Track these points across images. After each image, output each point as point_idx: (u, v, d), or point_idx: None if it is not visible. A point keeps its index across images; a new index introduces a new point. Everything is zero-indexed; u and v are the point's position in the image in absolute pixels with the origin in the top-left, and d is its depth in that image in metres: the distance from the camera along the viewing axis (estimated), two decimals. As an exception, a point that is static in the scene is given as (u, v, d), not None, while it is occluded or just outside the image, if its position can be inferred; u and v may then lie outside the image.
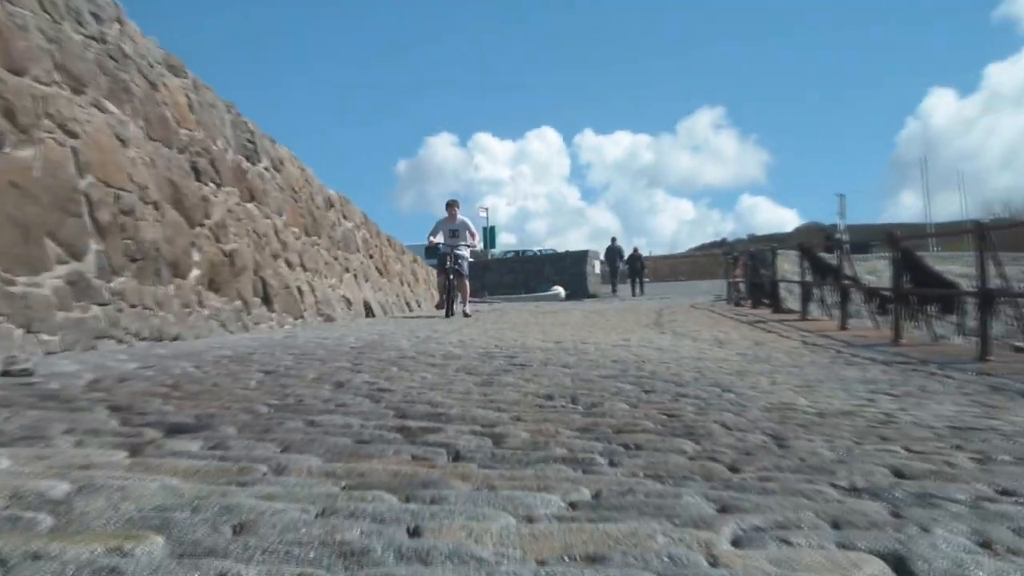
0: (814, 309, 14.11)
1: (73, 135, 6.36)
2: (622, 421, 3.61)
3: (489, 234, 44.17)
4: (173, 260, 7.77)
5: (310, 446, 2.90)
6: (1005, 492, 2.50)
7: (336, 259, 13.93)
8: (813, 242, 19.37)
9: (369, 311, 14.09)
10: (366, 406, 3.89)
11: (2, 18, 5.67)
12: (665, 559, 1.79)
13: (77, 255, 6.14)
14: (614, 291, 32.85)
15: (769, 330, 11.40)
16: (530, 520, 2.06)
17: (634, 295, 30.42)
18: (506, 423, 3.47)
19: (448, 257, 13.49)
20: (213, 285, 8.65)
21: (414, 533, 1.93)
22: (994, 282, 8.00)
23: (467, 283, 14.30)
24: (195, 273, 8.25)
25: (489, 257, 42.88)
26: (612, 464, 2.75)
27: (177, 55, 9.06)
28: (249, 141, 10.78)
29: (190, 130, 8.90)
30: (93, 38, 7.12)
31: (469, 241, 14.09)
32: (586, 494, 2.33)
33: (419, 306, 19.59)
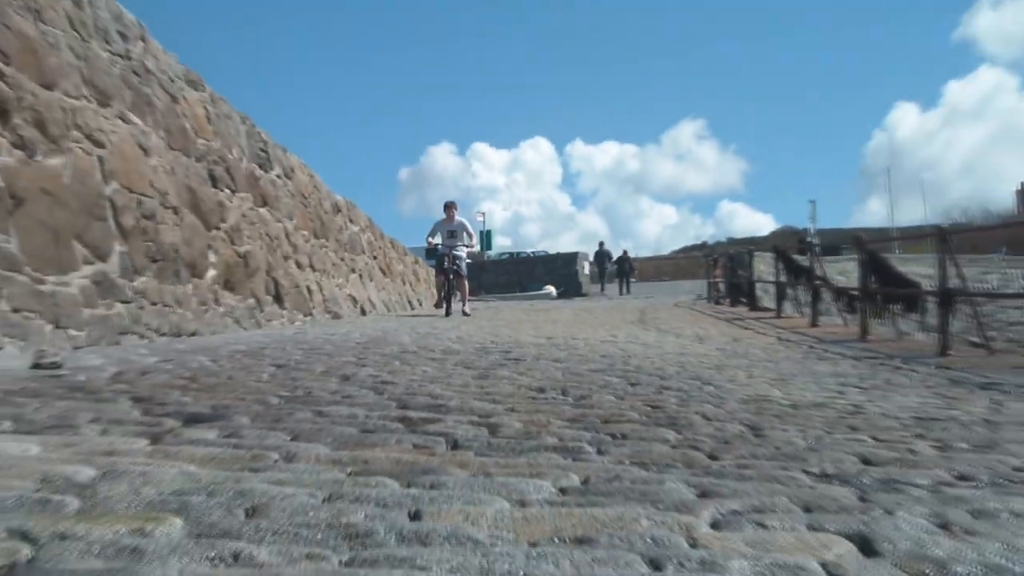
0: (788, 307, 14.12)
1: (99, 145, 6.35)
2: (609, 412, 3.61)
3: (485, 237, 44.19)
4: (191, 261, 7.75)
5: (318, 435, 2.89)
6: (963, 477, 2.51)
7: (343, 260, 13.91)
8: (787, 245, 19.41)
9: (363, 311, 13.86)
10: (370, 398, 3.88)
11: (36, 37, 5.67)
12: (649, 541, 1.79)
13: (102, 256, 6.13)
14: (602, 290, 32.90)
15: (746, 327, 11.41)
16: (523, 505, 2.06)
17: (621, 294, 30.44)
18: (501, 414, 3.47)
19: (446, 258, 13.06)
20: (228, 284, 8.63)
21: (415, 517, 1.93)
22: (953, 282, 8.02)
23: (466, 283, 13.90)
24: (211, 273, 8.24)
25: (485, 258, 42.88)
26: (600, 452, 2.75)
27: (191, 67, 9.05)
28: (262, 150, 10.76)
29: (207, 140, 8.88)
30: (119, 55, 7.11)
31: (466, 242, 13.54)
32: (575, 480, 2.33)
33: (420, 304, 19.58)
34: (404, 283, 19.64)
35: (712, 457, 2.72)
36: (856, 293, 10.65)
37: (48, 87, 5.73)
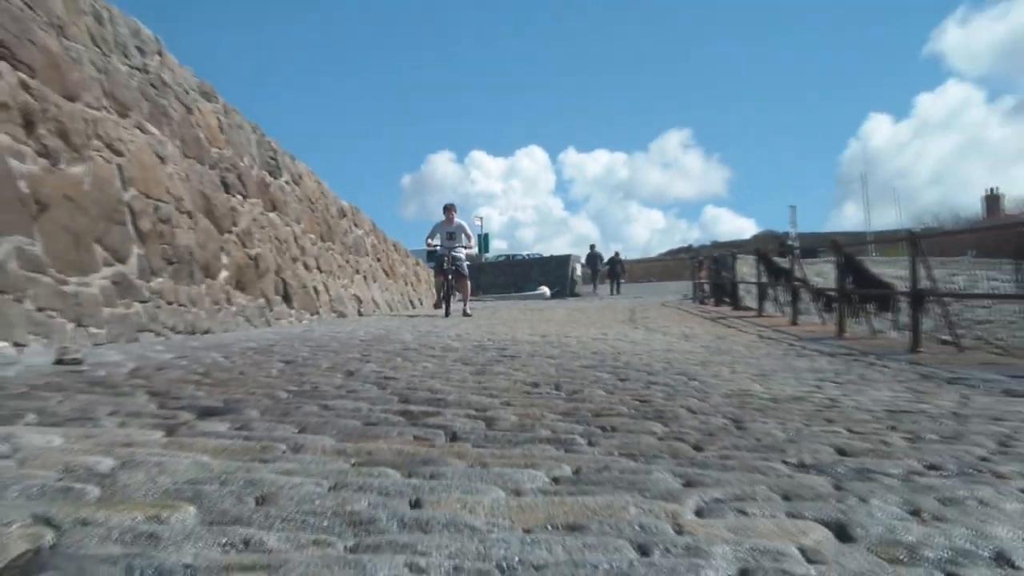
0: (769, 307, 14.15)
1: (119, 154, 6.34)
2: (600, 406, 3.61)
3: (483, 240, 44.14)
4: (205, 263, 7.74)
5: (324, 428, 2.89)
6: (932, 467, 2.52)
7: (348, 262, 13.89)
8: (768, 248, 19.44)
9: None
10: (374, 392, 3.88)
11: (59, 52, 5.67)
12: (637, 528, 1.79)
13: (121, 258, 6.12)
14: (595, 291, 32.88)
15: (729, 325, 11.42)
16: (518, 493, 2.06)
17: (611, 294, 30.43)
18: (497, 408, 3.47)
19: (445, 259, 12.57)
20: (240, 285, 8.62)
21: (415, 505, 1.93)
22: (924, 283, 8.04)
23: (468, 283, 13.33)
24: (224, 274, 8.23)
25: (483, 261, 42.83)
26: (591, 444, 2.75)
27: (206, 79, 9.04)
28: (272, 158, 10.75)
29: (220, 149, 8.86)
30: (137, 68, 7.10)
31: (465, 243, 13.00)
32: (567, 470, 2.33)
33: (421, 304, 19.56)
34: (406, 284, 19.63)
35: (697, 448, 2.72)
36: (833, 293, 10.67)
37: (71, 99, 5.72)
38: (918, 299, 7.94)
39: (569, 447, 2.68)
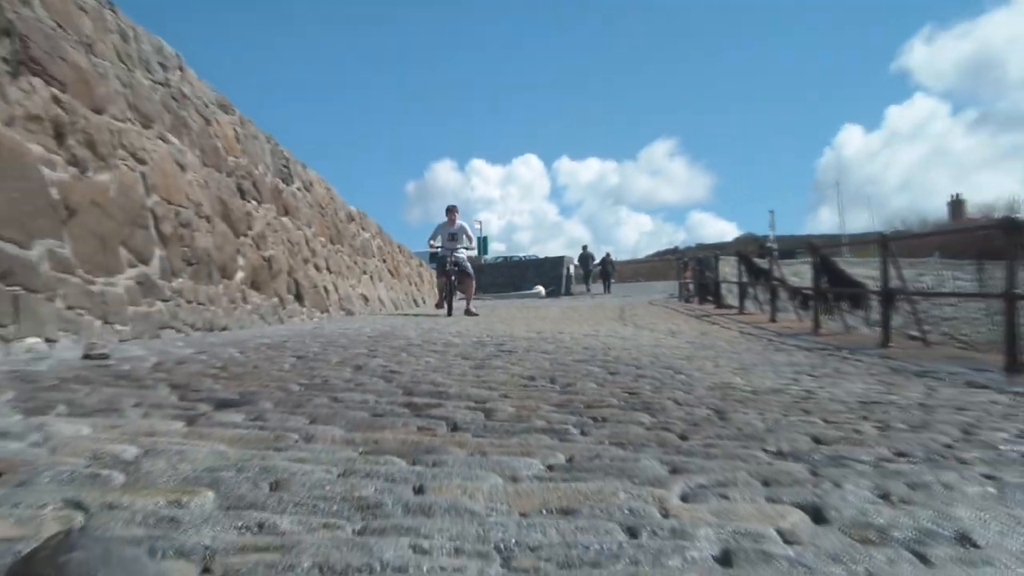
0: (750, 305, 14.16)
1: (142, 162, 6.33)
2: (591, 398, 3.61)
3: (483, 243, 44.03)
4: (222, 264, 7.73)
5: (334, 418, 2.89)
6: (900, 454, 2.52)
7: (356, 263, 13.88)
8: (749, 249, 19.46)
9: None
10: (380, 385, 3.87)
11: (88, 68, 5.67)
12: (626, 512, 1.79)
13: (144, 260, 6.11)
14: (588, 290, 32.84)
15: (713, 322, 11.43)
16: (515, 480, 2.06)
17: (603, 292, 30.43)
18: (495, 400, 3.46)
19: (448, 260, 12.08)
20: (255, 285, 8.61)
21: (419, 491, 1.93)
22: (894, 283, 8.06)
23: (473, 282, 12.69)
24: (240, 275, 8.21)
25: (483, 262, 42.76)
26: (583, 434, 2.75)
27: (224, 92, 9.03)
28: (284, 166, 10.73)
29: (236, 157, 8.85)
30: (159, 83, 7.09)
31: (467, 244, 12.48)
32: (561, 458, 2.33)
33: (424, 303, 19.56)
34: (410, 284, 19.63)
35: (682, 438, 2.72)
36: (809, 292, 10.68)
37: (98, 112, 5.72)
38: (888, 297, 7.95)
39: (563, 437, 2.68)
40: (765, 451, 2.52)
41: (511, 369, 4.74)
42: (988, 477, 2.22)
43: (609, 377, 4.47)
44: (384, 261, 16.72)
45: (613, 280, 34.55)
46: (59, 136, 5.13)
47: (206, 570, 1.37)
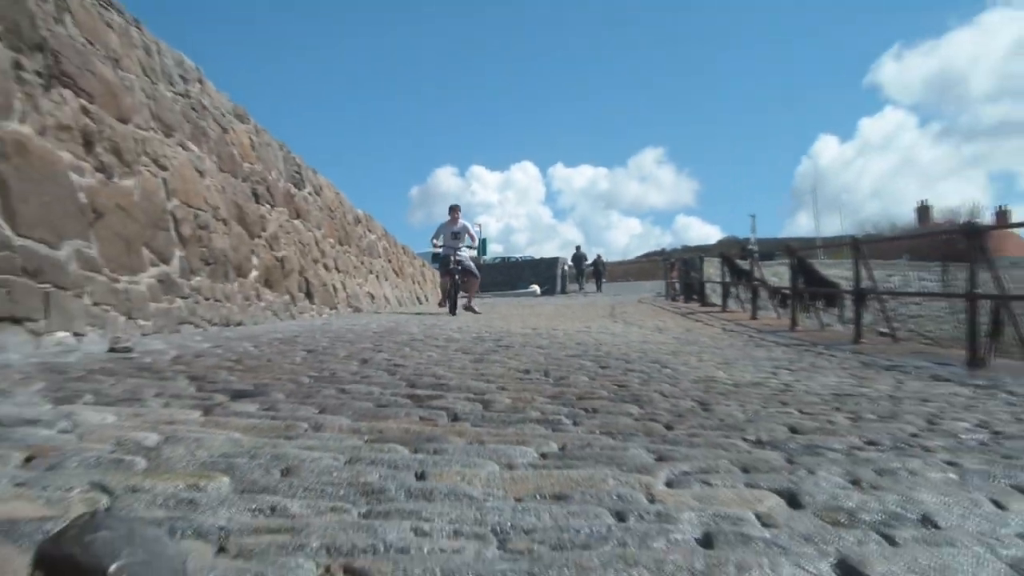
0: (732, 303, 14.17)
1: (164, 168, 6.32)
2: (583, 390, 3.61)
3: (482, 244, 43.98)
4: (237, 264, 7.72)
5: (341, 409, 2.89)
6: (870, 443, 2.53)
7: (362, 263, 13.87)
8: (731, 251, 19.47)
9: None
10: (384, 378, 3.87)
11: (115, 81, 5.68)
12: (614, 497, 1.80)
13: (165, 260, 6.11)
14: (581, 288, 32.82)
15: (697, 320, 11.44)
16: (510, 467, 2.06)
17: (595, 291, 30.44)
18: (493, 392, 3.46)
19: (451, 259, 11.50)
20: (268, 283, 8.60)
21: (420, 477, 1.93)
22: (865, 283, 8.07)
23: (477, 281, 12.20)
24: (254, 274, 8.21)
25: (482, 262, 42.68)
26: (575, 424, 2.75)
27: (240, 102, 9.01)
28: (296, 172, 10.72)
29: (252, 164, 8.84)
30: (180, 94, 7.08)
31: (469, 243, 11.95)
32: (554, 447, 2.33)
33: (426, 301, 19.55)
34: (413, 282, 19.62)
35: (668, 428, 2.72)
36: (787, 291, 10.70)
37: (123, 121, 5.71)
38: (860, 297, 7.97)
39: (556, 427, 2.68)
40: (745, 440, 2.52)
41: (508, 363, 4.73)
42: (950, 464, 2.23)
43: (600, 371, 4.47)
44: (389, 261, 16.71)
45: (604, 280, 34.56)
46: (87, 144, 5.13)
47: (222, 549, 1.38)
